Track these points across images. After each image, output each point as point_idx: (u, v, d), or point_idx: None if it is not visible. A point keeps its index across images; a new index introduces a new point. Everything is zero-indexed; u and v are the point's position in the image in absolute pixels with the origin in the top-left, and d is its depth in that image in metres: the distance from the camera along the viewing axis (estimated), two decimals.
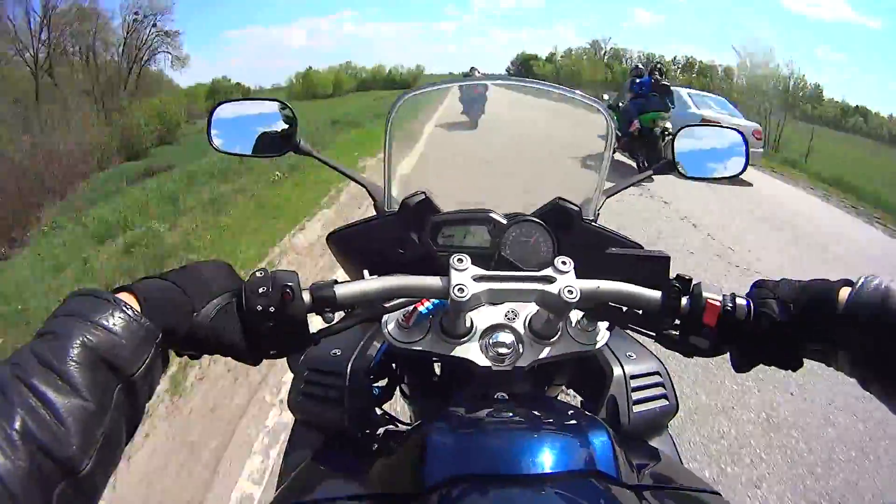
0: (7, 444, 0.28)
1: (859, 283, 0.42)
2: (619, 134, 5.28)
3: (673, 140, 0.82)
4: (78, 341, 0.33)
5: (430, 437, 0.40)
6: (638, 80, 5.82)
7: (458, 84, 0.92)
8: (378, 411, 0.66)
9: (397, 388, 0.74)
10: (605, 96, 7.36)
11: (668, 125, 5.29)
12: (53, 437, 0.30)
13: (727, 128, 0.85)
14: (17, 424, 0.29)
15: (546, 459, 0.37)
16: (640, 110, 5.46)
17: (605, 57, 33.38)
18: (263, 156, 0.82)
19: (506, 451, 0.39)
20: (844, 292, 0.43)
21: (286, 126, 0.79)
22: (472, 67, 7.43)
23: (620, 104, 6.09)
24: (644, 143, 5.44)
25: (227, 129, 0.81)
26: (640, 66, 6.33)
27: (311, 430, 0.62)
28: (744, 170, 0.84)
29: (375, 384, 0.69)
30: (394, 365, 0.71)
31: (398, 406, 0.84)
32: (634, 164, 5.76)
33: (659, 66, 6.00)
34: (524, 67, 34.67)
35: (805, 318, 0.44)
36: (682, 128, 0.83)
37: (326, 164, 0.80)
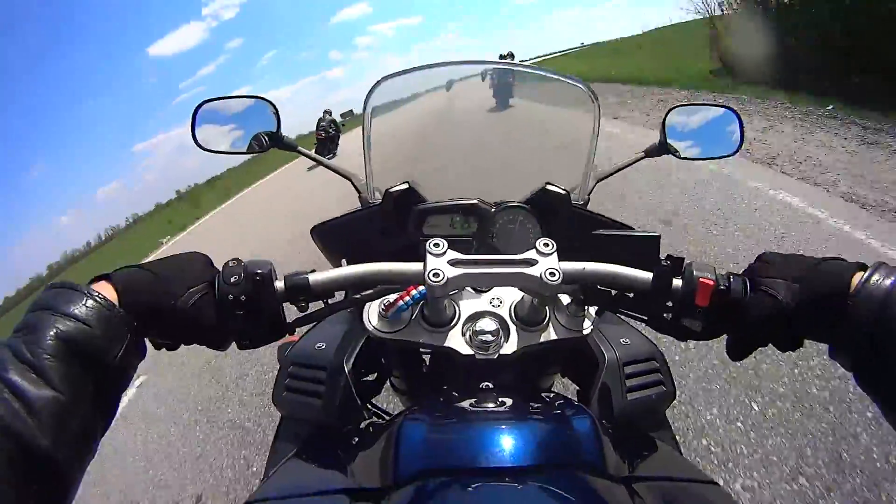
0: None
1: (867, 272, 0.38)
2: None
3: (664, 121, 0.80)
4: (51, 333, 0.33)
5: (402, 430, 0.39)
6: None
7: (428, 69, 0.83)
8: (366, 405, 0.65)
9: (387, 382, 0.72)
10: None
11: None
12: (28, 431, 0.29)
13: (718, 105, 0.83)
14: None
15: (525, 451, 0.36)
16: None
17: None
18: (250, 153, 0.80)
19: (481, 443, 0.37)
20: (857, 278, 0.38)
21: (269, 122, 0.78)
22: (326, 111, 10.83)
23: None
24: None
25: (211, 128, 0.81)
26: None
27: (297, 423, 0.61)
28: (739, 147, 0.81)
29: (364, 378, 0.67)
30: (383, 359, 0.70)
31: (394, 401, 0.82)
32: None
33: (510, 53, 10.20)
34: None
35: (812, 302, 0.40)
36: (673, 108, 0.81)
37: (311, 158, 0.80)
